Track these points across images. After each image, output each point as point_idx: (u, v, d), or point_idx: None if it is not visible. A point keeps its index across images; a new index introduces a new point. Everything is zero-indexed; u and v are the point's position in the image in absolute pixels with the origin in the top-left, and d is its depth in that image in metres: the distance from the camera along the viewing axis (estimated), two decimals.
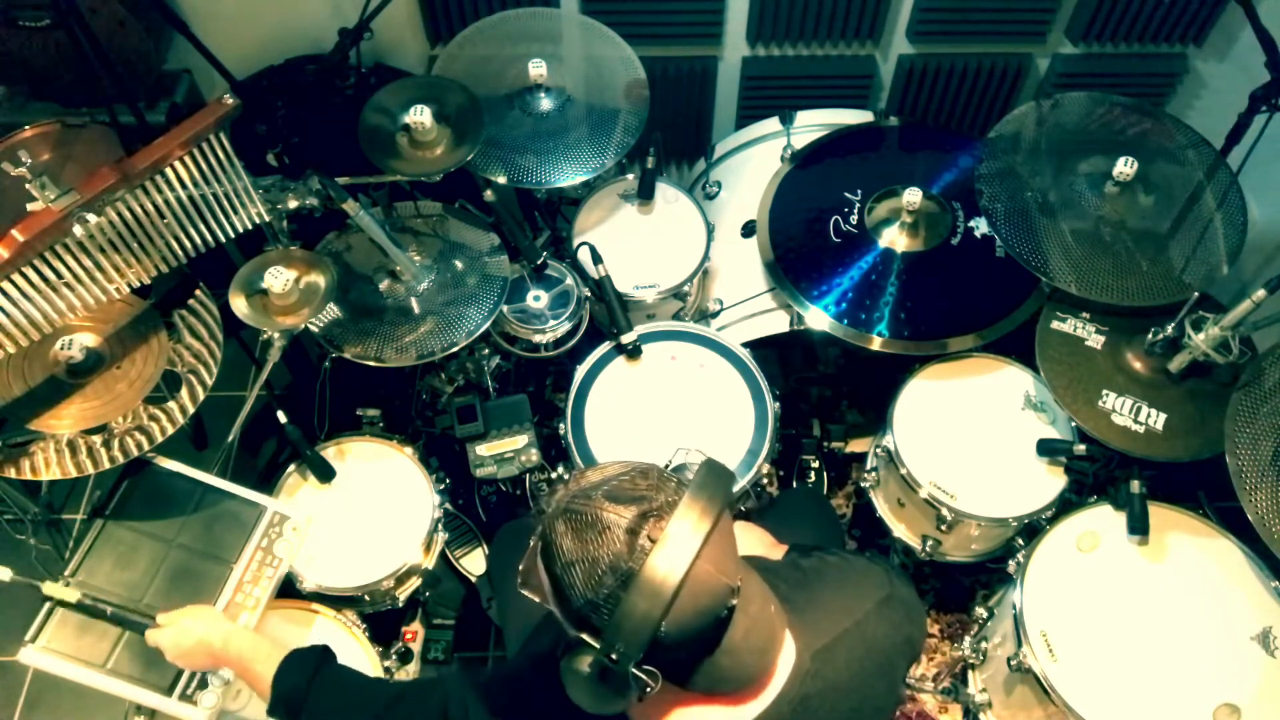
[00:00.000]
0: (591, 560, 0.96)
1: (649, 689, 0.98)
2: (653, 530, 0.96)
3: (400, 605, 2.00)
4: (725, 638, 1.01)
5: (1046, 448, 1.95)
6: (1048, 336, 1.97)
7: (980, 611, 2.03)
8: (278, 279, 1.76)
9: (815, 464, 2.48)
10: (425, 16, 2.48)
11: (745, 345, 2.10)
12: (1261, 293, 1.66)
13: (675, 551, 0.94)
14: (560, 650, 1.02)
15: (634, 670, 0.95)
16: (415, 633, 2.25)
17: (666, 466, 1.09)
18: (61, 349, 1.74)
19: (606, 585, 0.95)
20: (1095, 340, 1.97)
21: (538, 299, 2.15)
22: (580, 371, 2.06)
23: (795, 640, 1.11)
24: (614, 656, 0.94)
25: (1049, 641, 1.75)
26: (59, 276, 1.59)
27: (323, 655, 1.37)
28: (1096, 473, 1.94)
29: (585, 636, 0.97)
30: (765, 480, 2.08)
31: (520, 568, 1.07)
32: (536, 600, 1.05)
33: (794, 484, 2.48)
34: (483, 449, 2.05)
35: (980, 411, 2.05)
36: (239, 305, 1.79)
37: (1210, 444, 1.82)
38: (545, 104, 2.20)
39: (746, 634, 1.03)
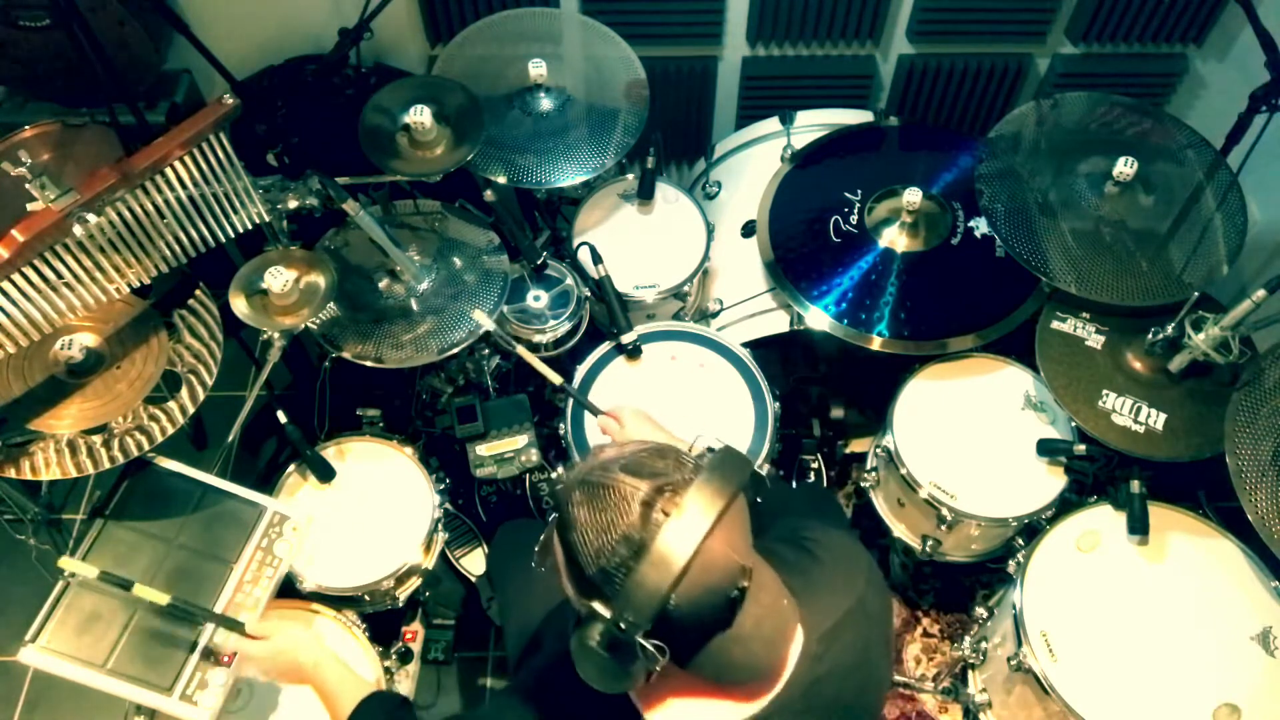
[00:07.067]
0: (605, 529, 0.97)
1: (656, 664, 0.98)
2: (667, 504, 0.97)
3: (400, 605, 2.00)
4: (736, 623, 1.01)
5: (1046, 448, 1.95)
6: (1048, 336, 1.97)
7: (980, 611, 2.03)
8: (278, 279, 1.77)
9: (815, 464, 2.48)
10: (425, 16, 2.48)
11: (745, 345, 2.10)
12: (1261, 293, 1.66)
13: (688, 525, 0.95)
14: (572, 625, 1.02)
15: (641, 641, 0.96)
16: (415, 633, 2.25)
17: (689, 450, 1.09)
18: (61, 349, 1.74)
19: (619, 555, 0.96)
20: (1095, 340, 1.97)
21: (538, 299, 2.15)
22: (580, 371, 2.06)
23: (801, 625, 1.11)
24: (623, 625, 0.95)
25: (1049, 641, 1.75)
26: (59, 276, 1.59)
27: (401, 705, 1.44)
28: (1096, 473, 1.94)
29: (596, 606, 0.98)
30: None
31: (540, 541, 1.08)
32: (554, 578, 1.05)
33: (794, 484, 2.47)
34: (483, 449, 2.04)
35: (980, 411, 2.05)
36: (239, 305, 1.79)
37: (1210, 444, 1.82)
38: (545, 104, 2.20)
39: (758, 623, 1.03)
